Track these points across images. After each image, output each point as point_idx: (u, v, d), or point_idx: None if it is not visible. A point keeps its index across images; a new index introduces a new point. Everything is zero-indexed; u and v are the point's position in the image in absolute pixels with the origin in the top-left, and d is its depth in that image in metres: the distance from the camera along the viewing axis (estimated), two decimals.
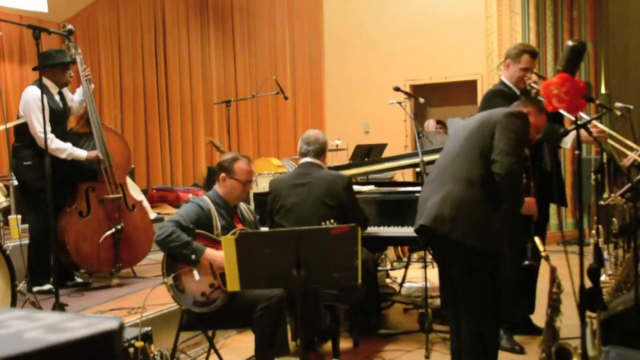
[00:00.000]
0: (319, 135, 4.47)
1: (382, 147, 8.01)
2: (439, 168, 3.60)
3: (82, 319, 0.81)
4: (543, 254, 3.49)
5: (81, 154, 5.25)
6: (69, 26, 5.32)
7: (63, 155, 5.09)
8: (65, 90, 5.50)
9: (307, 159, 4.42)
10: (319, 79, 10.55)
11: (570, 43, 2.88)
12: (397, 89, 4.90)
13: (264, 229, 4.46)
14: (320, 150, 4.42)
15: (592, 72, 8.86)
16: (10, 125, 4.84)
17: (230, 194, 3.96)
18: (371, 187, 5.36)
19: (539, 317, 4.36)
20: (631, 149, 4.68)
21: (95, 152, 5.32)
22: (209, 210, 3.85)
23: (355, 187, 5.17)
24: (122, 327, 0.81)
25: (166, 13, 10.61)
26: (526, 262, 3.66)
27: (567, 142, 4.77)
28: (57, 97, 5.30)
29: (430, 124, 9.13)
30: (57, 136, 5.13)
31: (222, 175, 3.94)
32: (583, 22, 8.88)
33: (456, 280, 3.50)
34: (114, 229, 5.29)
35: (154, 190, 9.46)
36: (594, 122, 4.57)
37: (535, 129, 3.62)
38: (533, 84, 4.39)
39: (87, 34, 10.29)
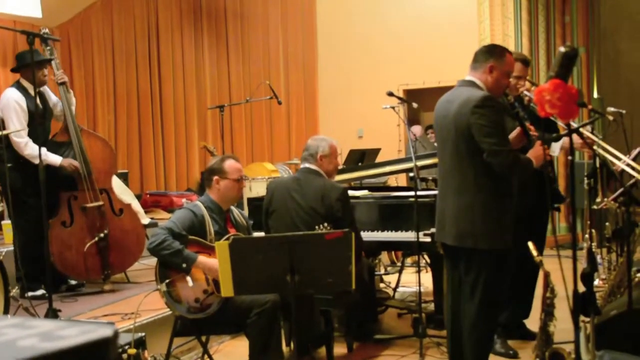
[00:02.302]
0: (314, 142, 4.47)
1: (376, 151, 8.01)
2: (442, 177, 3.68)
3: (77, 327, 0.81)
4: (537, 259, 3.50)
5: (55, 159, 5.18)
6: (45, 29, 5.30)
7: (36, 161, 4.84)
8: (47, 91, 5.47)
9: (305, 165, 4.44)
10: (312, 84, 10.56)
11: (562, 49, 2.89)
12: (391, 94, 4.90)
13: (257, 234, 4.46)
14: (309, 156, 4.41)
15: (584, 77, 8.90)
16: (5, 133, 4.84)
17: (225, 196, 3.96)
18: (365, 192, 5.36)
19: (532, 322, 4.36)
20: (619, 159, 4.69)
21: (69, 159, 5.24)
22: (202, 216, 3.85)
23: (349, 192, 5.17)
24: (116, 334, 0.81)
25: (160, 18, 10.60)
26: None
27: (555, 149, 4.77)
28: (37, 98, 5.26)
29: (415, 130, 9.13)
30: (38, 138, 5.05)
31: (216, 178, 3.94)
32: (575, 27, 8.92)
33: (472, 281, 3.54)
34: (96, 238, 5.25)
35: (148, 195, 9.43)
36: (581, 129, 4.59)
37: (505, 76, 3.58)
38: (526, 92, 4.42)
39: (80, 39, 10.27)
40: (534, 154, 3.50)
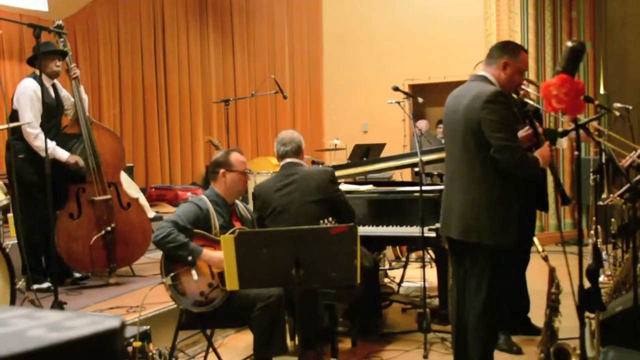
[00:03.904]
0: (294, 134, 4.46)
1: (381, 146, 8.00)
2: (449, 171, 3.67)
3: (84, 318, 0.81)
4: (542, 254, 3.51)
5: (62, 155, 5.17)
6: (58, 22, 5.29)
7: (44, 154, 4.71)
8: (59, 85, 5.47)
9: (287, 160, 4.40)
10: (317, 79, 10.56)
11: (569, 44, 2.88)
12: (396, 89, 4.88)
13: None
14: (298, 149, 4.39)
15: (590, 73, 8.86)
16: (16, 124, 4.85)
17: (232, 189, 3.96)
18: (370, 187, 5.35)
19: (537, 318, 4.36)
20: (630, 149, 4.68)
21: (75, 157, 5.22)
22: (207, 209, 3.85)
23: (354, 187, 5.18)
24: (123, 326, 0.82)
25: (165, 12, 10.60)
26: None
27: (563, 142, 4.77)
28: (51, 90, 5.28)
29: (420, 125, 9.10)
30: (51, 130, 5.06)
31: (222, 171, 3.94)
32: (582, 22, 8.88)
33: (477, 276, 3.53)
34: (103, 231, 5.25)
35: (153, 189, 9.46)
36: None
37: (518, 73, 3.57)
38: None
39: (86, 32, 10.27)
40: (542, 153, 3.48)
